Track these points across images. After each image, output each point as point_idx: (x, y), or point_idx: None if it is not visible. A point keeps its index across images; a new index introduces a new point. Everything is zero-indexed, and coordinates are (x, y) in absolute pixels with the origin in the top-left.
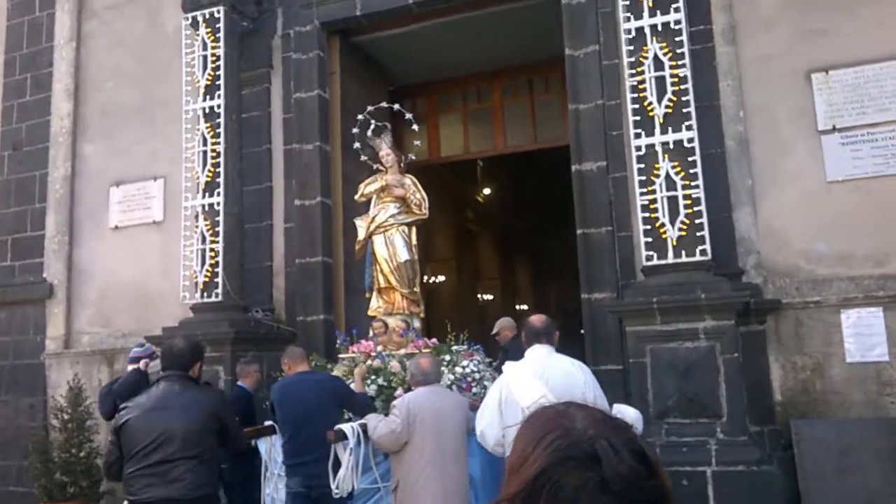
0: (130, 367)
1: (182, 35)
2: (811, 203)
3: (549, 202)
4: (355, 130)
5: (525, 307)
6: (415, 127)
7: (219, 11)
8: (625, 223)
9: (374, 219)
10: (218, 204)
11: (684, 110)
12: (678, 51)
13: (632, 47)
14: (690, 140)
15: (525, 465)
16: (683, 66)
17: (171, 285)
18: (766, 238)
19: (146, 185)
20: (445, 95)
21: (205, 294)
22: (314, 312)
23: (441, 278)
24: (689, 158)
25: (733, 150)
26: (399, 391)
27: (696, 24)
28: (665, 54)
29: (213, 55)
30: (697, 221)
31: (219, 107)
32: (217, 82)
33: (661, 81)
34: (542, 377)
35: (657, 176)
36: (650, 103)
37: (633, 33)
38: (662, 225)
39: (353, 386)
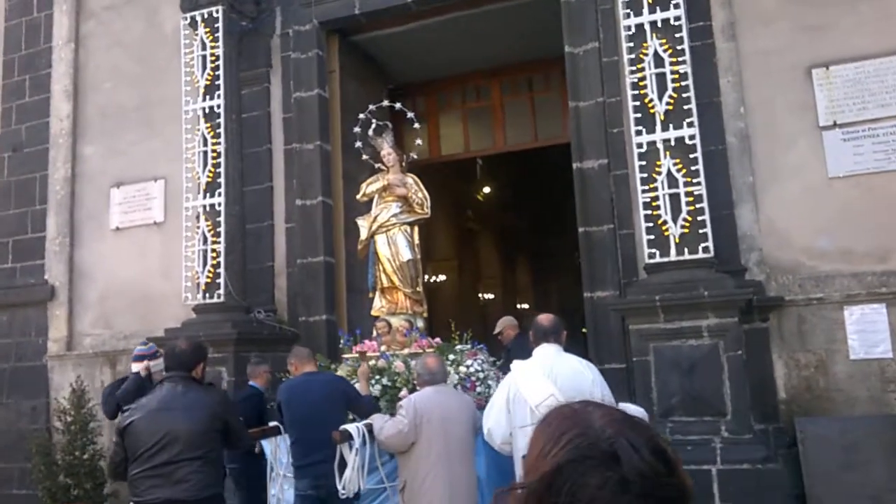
0: (134, 366)
1: (181, 35)
2: (813, 199)
3: (549, 201)
4: (356, 130)
5: (526, 306)
6: (416, 126)
7: (217, 11)
8: (626, 221)
9: (376, 218)
10: (219, 204)
11: (685, 107)
12: (678, 47)
13: (632, 44)
14: (692, 137)
15: (544, 462)
16: (684, 62)
17: (172, 286)
18: (768, 235)
19: (146, 186)
20: (445, 94)
21: (207, 295)
22: (316, 313)
23: (442, 278)
24: (691, 155)
25: (734, 146)
26: (404, 391)
27: (695, 20)
28: (665, 51)
29: (212, 55)
30: (700, 218)
31: (219, 107)
32: (216, 82)
33: (661, 78)
34: (551, 376)
35: (659, 173)
36: (651, 100)
37: (633, 30)
38: (665, 222)
39: (357, 386)
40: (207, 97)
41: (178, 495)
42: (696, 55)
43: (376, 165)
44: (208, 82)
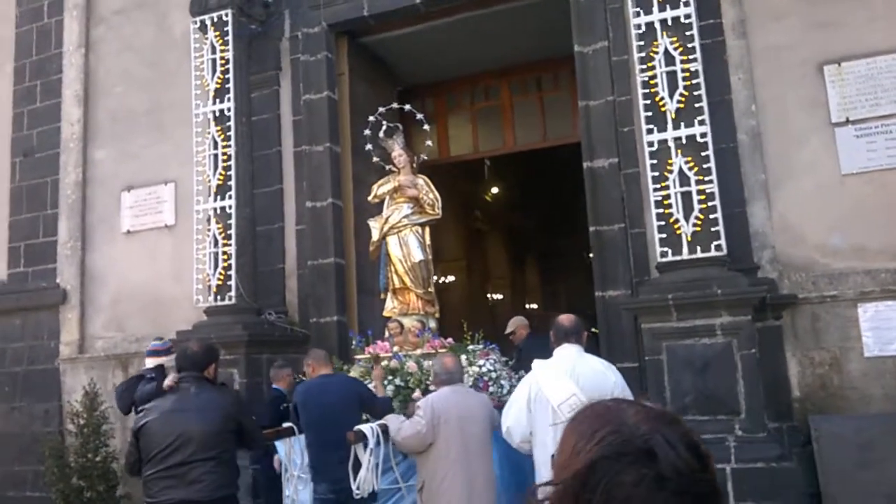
0: (148, 360)
1: (190, 39)
2: (826, 196)
3: (558, 200)
4: (367, 132)
5: (535, 306)
6: (426, 127)
7: (227, 15)
8: (638, 220)
9: (387, 220)
10: (230, 207)
11: (696, 105)
12: (689, 45)
13: (642, 42)
14: (703, 135)
15: (576, 459)
16: (694, 60)
17: (183, 289)
18: (781, 232)
19: (157, 190)
20: (454, 94)
21: (218, 297)
22: (327, 314)
23: (451, 278)
24: (703, 153)
25: (746, 144)
26: (416, 392)
27: (705, 17)
28: (676, 49)
29: (221, 58)
30: (712, 217)
31: (229, 110)
32: (226, 85)
33: (672, 76)
34: (573, 376)
35: (670, 171)
36: (662, 98)
37: (643, 28)
38: (676, 221)
39: (372, 388)
40: (217, 100)
41: (191, 496)
42: (707, 53)
43: (387, 167)
44: (218, 85)
